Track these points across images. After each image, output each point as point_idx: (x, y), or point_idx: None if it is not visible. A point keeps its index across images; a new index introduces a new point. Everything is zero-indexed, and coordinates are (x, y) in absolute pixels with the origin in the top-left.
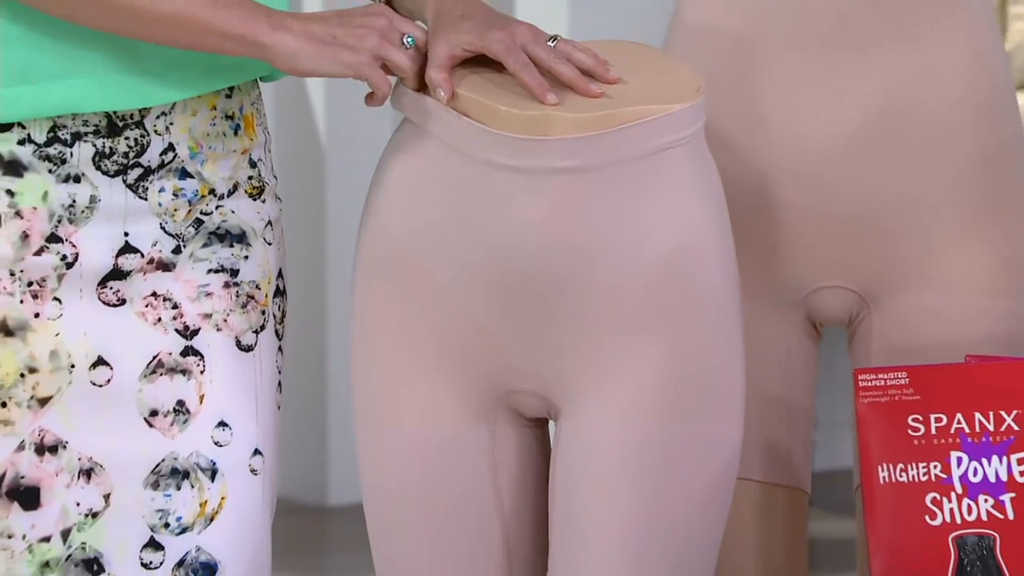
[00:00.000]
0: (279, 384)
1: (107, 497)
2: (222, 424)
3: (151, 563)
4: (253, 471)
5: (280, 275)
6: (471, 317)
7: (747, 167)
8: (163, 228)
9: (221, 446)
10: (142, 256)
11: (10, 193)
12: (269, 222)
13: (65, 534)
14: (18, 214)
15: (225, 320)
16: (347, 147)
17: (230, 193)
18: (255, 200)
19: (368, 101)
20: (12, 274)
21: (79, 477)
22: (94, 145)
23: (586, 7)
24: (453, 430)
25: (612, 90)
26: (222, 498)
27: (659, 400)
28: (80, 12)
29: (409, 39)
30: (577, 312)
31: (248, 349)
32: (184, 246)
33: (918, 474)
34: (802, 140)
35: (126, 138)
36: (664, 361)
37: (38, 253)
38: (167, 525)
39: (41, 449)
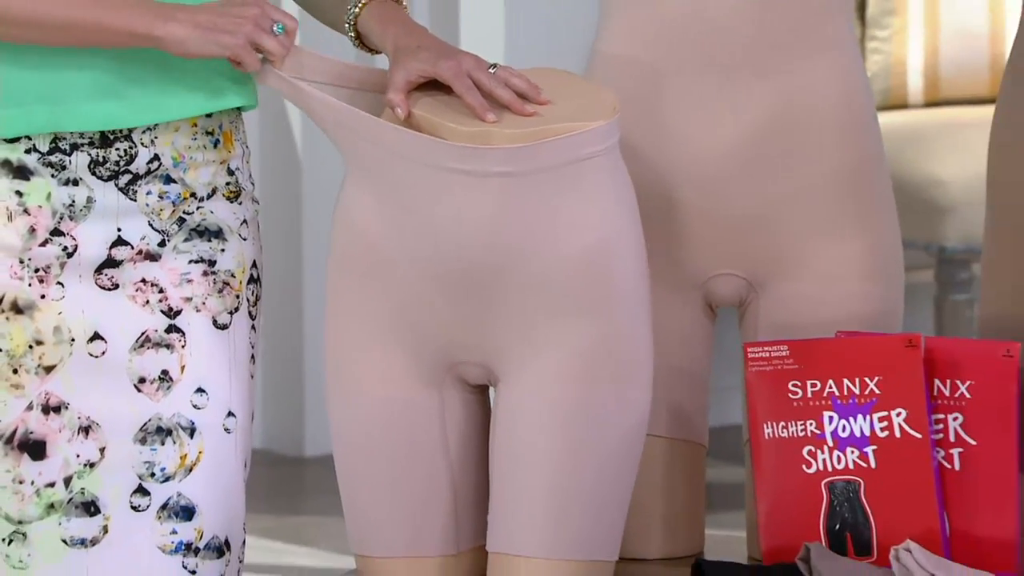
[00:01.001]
0: (252, 356)
1: (102, 450)
2: (199, 390)
3: (139, 506)
4: (226, 430)
5: (255, 265)
6: (423, 299)
7: (654, 174)
8: (150, 225)
9: (199, 408)
10: (132, 248)
11: (19, 193)
12: (245, 221)
13: (67, 481)
14: (26, 211)
15: (204, 303)
16: (320, 157)
17: (209, 196)
18: (232, 202)
19: (236, 67)
20: (21, 261)
21: (78, 433)
22: (89, 154)
23: (520, 39)
24: (408, 394)
25: (542, 110)
26: (199, 452)
27: (581, 369)
28: (23, 35)
29: (278, 27)
30: (513, 295)
31: (223, 328)
32: (168, 240)
33: (796, 430)
34: (700, 151)
35: (116, 149)
36: (585, 337)
37: (43, 244)
38: (153, 475)
39: (47, 409)
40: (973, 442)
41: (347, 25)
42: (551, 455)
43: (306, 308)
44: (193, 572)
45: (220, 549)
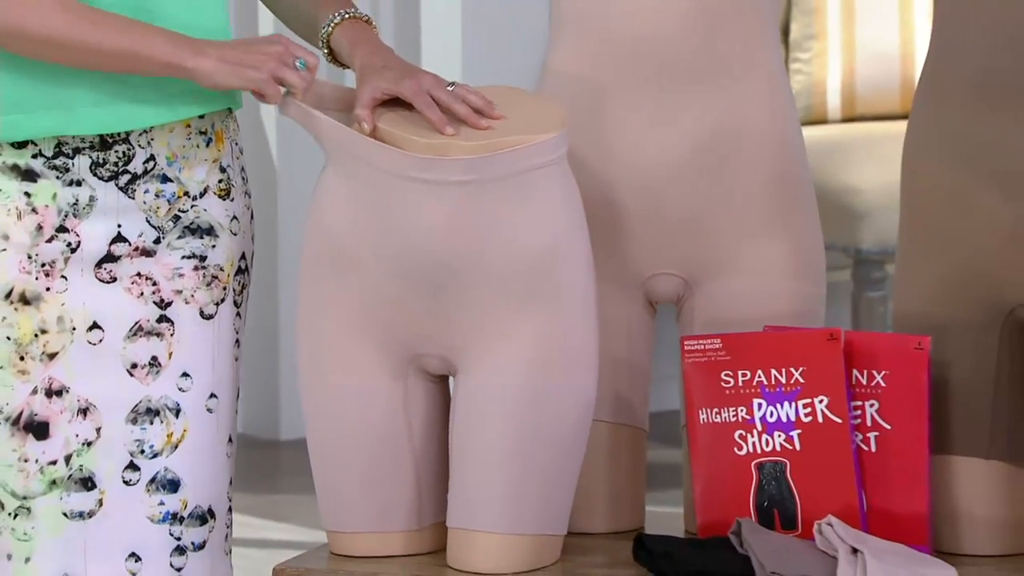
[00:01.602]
0: (237, 341)
1: (98, 430)
2: (184, 375)
3: (130, 480)
4: (209, 410)
5: (243, 257)
6: (388, 295)
7: (600, 182)
8: (148, 222)
9: (183, 391)
10: (130, 244)
11: (27, 194)
12: (235, 216)
13: (67, 459)
14: (34, 210)
15: (193, 296)
16: (294, 161)
17: (202, 194)
18: (224, 199)
19: (259, 99)
20: (29, 256)
21: (78, 415)
22: (90, 157)
23: (476, 59)
24: (375, 383)
25: (496, 124)
26: (184, 430)
27: (532, 360)
28: (52, 54)
29: (300, 63)
30: (470, 292)
31: (209, 318)
32: (164, 237)
33: (728, 416)
34: (640, 161)
35: (115, 151)
36: (536, 331)
37: (49, 240)
38: (143, 451)
39: (49, 393)
40: (888, 426)
41: (321, 42)
42: (506, 438)
43: (281, 302)
44: (179, 539)
45: (203, 517)
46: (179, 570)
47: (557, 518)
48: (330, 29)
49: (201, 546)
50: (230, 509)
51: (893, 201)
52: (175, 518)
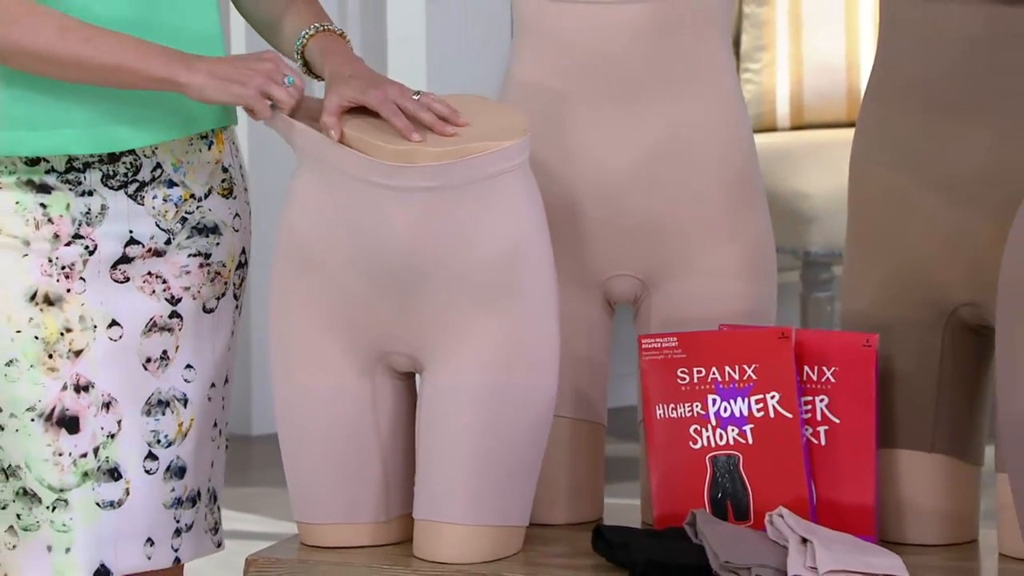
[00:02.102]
0: (232, 331)
1: (119, 423)
2: (188, 366)
3: (151, 469)
4: (209, 399)
5: (243, 252)
6: (356, 296)
7: (560, 187)
8: (158, 225)
9: (188, 382)
10: (143, 247)
11: (43, 206)
12: (237, 214)
13: (95, 451)
14: (50, 220)
15: (199, 291)
16: (266, 170)
17: (206, 195)
18: (227, 198)
19: (250, 115)
20: (50, 261)
21: (102, 408)
22: (100, 170)
23: (440, 68)
24: (344, 380)
25: (461, 131)
26: (191, 419)
27: (496, 358)
28: (47, 69)
29: (289, 79)
30: (435, 294)
31: (210, 311)
32: (173, 238)
33: (684, 411)
34: (600, 168)
35: (123, 163)
36: (499, 330)
37: (67, 245)
38: (159, 441)
39: (78, 388)
40: (837, 420)
41: (296, 53)
42: (470, 433)
43: (252, 302)
44: (178, 521)
45: (194, 500)
46: (176, 551)
47: (519, 510)
48: (305, 40)
49: (191, 527)
50: (210, 490)
51: (840, 206)
52: (179, 503)
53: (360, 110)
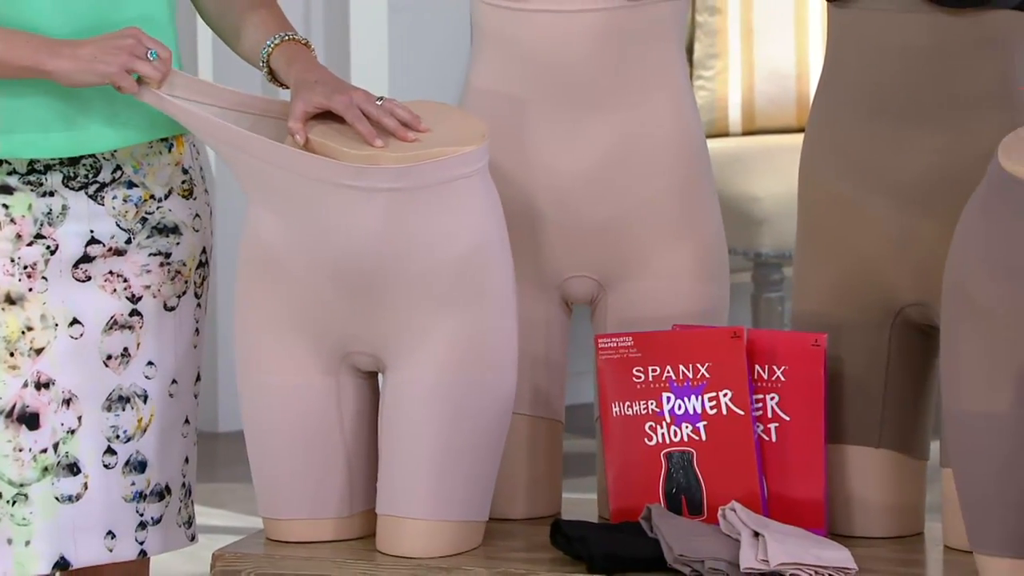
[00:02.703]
0: (196, 330)
1: (80, 418)
2: (150, 363)
3: (109, 464)
4: (171, 395)
5: (204, 251)
6: (320, 297)
7: (519, 191)
8: (118, 225)
9: (149, 379)
10: (104, 246)
11: (5, 207)
12: (197, 214)
13: (55, 446)
14: (12, 220)
15: (159, 290)
16: (230, 176)
17: (166, 196)
18: (186, 199)
19: (120, 90)
20: (12, 261)
21: (62, 405)
22: (61, 172)
23: (402, 75)
24: (308, 380)
25: (422, 136)
26: (151, 415)
27: (456, 357)
28: None
29: (152, 54)
30: (398, 294)
31: (171, 309)
32: (134, 238)
33: (639, 409)
34: (557, 173)
35: (83, 165)
36: (459, 329)
37: (29, 245)
38: (118, 436)
39: (39, 386)
40: (787, 418)
41: (262, 63)
42: (431, 431)
43: (218, 302)
44: (141, 515)
45: (161, 494)
46: (141, 543)
47: (479, 505)
48: (270, 49)
49: (159, 520)
50: (183, 485)
51: (790, 209)
52: (141, 496)
53: (325, 116)
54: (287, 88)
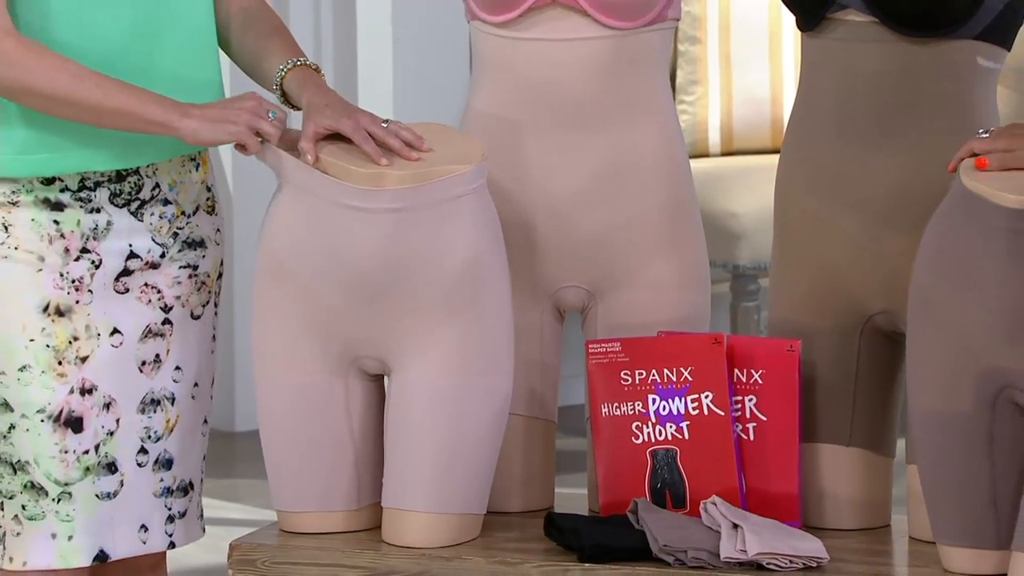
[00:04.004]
0: (213, 336)
1: (118, 421)
2: (177, 368)
3: (141, 462)
4: (193, 397)
5: (222, 263)
6: (329, 305)
7: (515, 208)
8: (153, 239)
9: (176, 382)
10: (142, 260)
11: (56, 222)
12: (218, 229)
13: (96, 447)
14: (62, 235)
15: (188, 300)
16: (246, 190)
17: (194, 212)
18: (210, 215)
19: (240, 150)
20: (62, 275)
21: (103, 409)
22: (108, 188)
23: (406, 99)
24: (319, 381)
25: (425, 156)
26: (177, 416)
27: (457, 360)
28: (58, 110)
29: (272, 114)
30: (402, 303)
31: (197, 318)
32: (167, 252)
33: (627, 410)
34: (551, 190)
35: (128, 182)
36: (459, 336)
37: (76, 260)
38: (150, 437)
39: (83, 392)
40: (764, 418)
41: (275, 86)
42: (434, 429)
43: (236, 308)
44: (169, 508)
45: (186, 489)
46: (170, 535)
47: (478, 499)
48: (283, 74)
49: (184, 514)
50: (201, 480)
51: (766, 224)
52: (169, 492)
53: (334, 137)
54: (298, 110)
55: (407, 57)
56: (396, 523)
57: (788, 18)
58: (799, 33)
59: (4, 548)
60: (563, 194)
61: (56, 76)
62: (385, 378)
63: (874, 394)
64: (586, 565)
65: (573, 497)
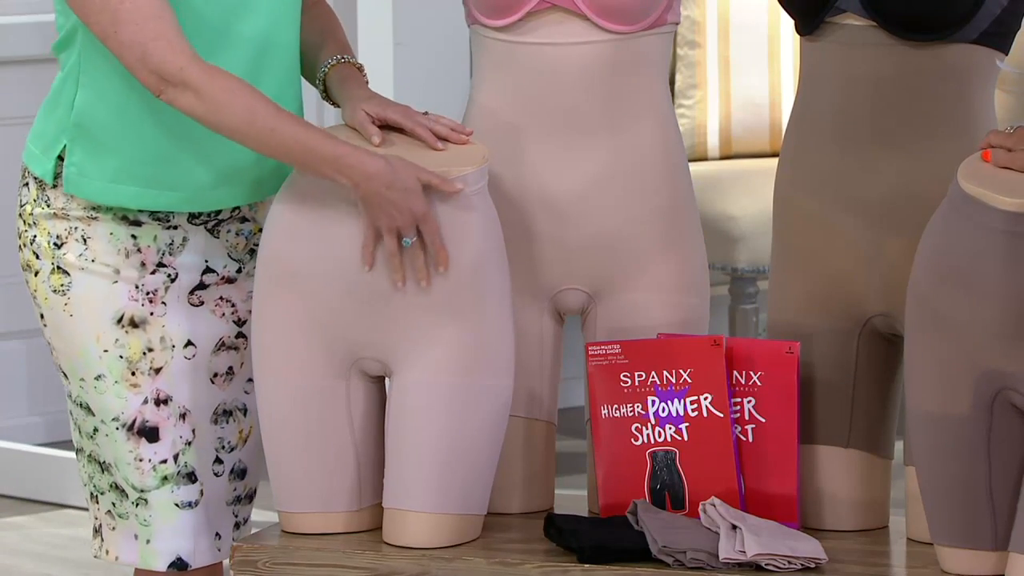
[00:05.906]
0: None
1: (194, 431)
2: (249, 380)
3: (217, 472)
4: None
5: None
6: (331, 307)
7: (516, 210)
8: (230, 256)
9: (247, 394)
10: (218, 275)
11: (134, 237)
12: None
13: (175, 457)
14: (138, 250)
15: None
16: None
17: None
18: None
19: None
20: (137, 287)
21: (179, 419)
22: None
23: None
24: (320, 382)
25: (428, 159)
26: (251, 427)
27: (457, 363)
28: (240, 136)
29: (407, 241)
30: (403, 305)
31: None
32: (243, 267)
33: (626, 411)
34: (552, 191)
35: None
36: (460, 337)
37: (152, 273)
38: (223, 447)
39: (158, 402)
40: (763, 420)
41: (318, 80)
42: (435, 430)
43: None
44: (236, 516)
45: (251, 496)
46: (235, 542)
47: (479, 500)
48: (327, 70)
49: (247, 520)
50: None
51: (764, 227)
52: (238, 500)
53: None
54: (337, 106)
55: (407, 60)
56: (397, 524)
57: (787, 22)
58: (798, 37)
59: (102, 540)
60: (563, 197)
61: (233, 111)
62: (386, 380)
63: (872, 396)
64: (586, 566)
65: (573, 498)
